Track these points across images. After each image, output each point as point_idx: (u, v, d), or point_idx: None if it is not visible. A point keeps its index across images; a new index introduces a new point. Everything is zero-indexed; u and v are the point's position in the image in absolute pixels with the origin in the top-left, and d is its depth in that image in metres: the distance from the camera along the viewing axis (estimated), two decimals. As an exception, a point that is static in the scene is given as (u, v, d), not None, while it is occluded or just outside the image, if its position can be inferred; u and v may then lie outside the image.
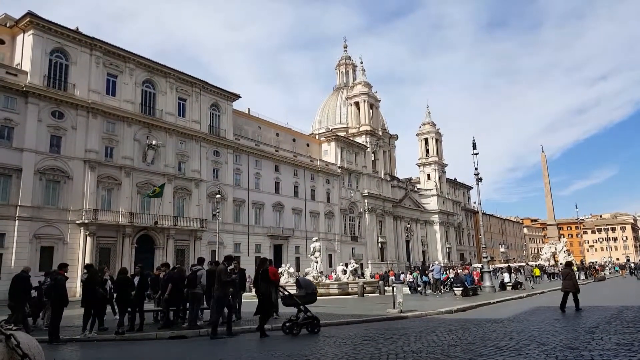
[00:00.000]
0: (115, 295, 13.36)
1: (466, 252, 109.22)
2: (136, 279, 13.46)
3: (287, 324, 11.38)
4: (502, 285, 29.92)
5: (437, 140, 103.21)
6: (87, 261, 39.05)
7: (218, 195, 37.89)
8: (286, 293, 11.85)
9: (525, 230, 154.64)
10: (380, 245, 79.41)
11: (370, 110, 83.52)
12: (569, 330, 10.45)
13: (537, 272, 44.36)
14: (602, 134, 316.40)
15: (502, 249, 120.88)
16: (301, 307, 11.39)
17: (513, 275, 32.39)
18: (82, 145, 41.18)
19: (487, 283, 27.93)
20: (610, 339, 8.67)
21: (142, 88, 47.89)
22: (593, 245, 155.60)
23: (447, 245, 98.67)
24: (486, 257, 30.82)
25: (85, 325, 11.96)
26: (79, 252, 39.53)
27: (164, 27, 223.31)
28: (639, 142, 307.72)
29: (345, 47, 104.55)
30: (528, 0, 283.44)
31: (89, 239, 39.81)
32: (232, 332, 11.67)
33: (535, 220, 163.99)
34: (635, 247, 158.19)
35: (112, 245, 42.23)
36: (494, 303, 20.46)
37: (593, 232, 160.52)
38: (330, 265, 64.14)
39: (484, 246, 29.40)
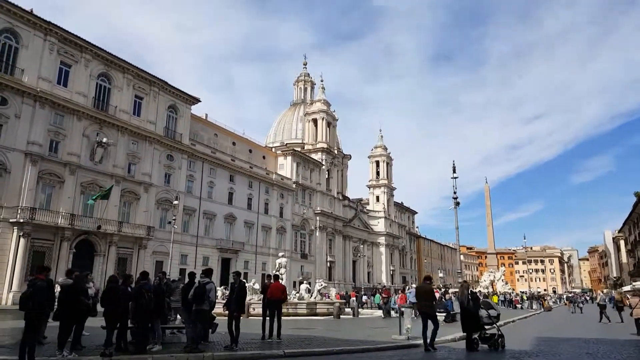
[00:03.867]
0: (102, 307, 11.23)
1: (408, 275, 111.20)
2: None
3: (476, 340, 13.08)
4: None
5: (387, 163, 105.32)
6: (18, 265, 35.17)
7: (176, 202, 35.52)
8: (492, 313, 13.51)
9: (462, 257, 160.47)
10: (328, 264, 78.63)
11: (328, 129, 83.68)
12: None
13: (495, 299, 45.36)
14: (531, 171, 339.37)
15: (441, 274, 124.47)
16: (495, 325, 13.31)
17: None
18: (25, 136, 37.23)
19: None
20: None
21: (97, 81, 44.59)
22: (523, 276, 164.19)
23: (392, 268, 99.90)
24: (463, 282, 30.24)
25: (63, 343, 9.87)
26: (9, 255, 35.38)
27: (108, 20, 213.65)
28: (562, 181, 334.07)
29: (305, 64, 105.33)
30: (474, 39, 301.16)
31: (22, 240, 35.71)
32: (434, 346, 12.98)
33: (471, 248, 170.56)
34: (562, 279, 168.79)
35: (48, 249, 38.17)
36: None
37: (524, 262, 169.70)
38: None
39: (459, 271, 29.16)
